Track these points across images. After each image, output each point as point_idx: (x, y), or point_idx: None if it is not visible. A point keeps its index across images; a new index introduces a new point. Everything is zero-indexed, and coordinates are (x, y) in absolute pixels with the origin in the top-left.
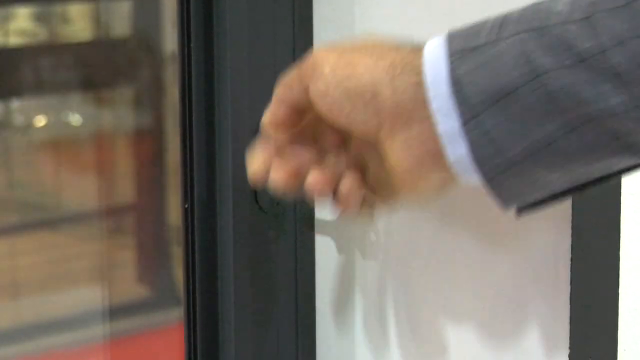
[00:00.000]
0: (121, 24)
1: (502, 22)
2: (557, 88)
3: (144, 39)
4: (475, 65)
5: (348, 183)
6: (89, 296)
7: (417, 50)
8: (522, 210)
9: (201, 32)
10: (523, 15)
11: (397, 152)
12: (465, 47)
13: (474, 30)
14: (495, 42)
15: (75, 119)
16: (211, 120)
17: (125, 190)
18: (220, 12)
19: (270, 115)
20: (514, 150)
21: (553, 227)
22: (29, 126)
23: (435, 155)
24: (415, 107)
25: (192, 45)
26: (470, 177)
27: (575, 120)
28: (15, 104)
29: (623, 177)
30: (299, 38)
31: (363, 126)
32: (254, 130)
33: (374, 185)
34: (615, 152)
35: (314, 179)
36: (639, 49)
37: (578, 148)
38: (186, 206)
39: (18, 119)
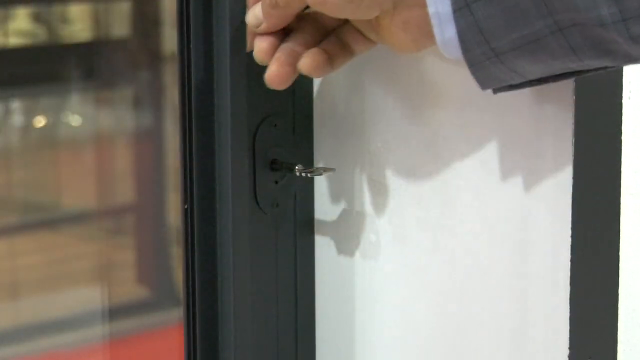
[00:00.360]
0: (121, 24)
1: None
2: None
3: (144, 39)
4: None
5: (311, 54)
6: (89, 296)
7: None
8: (497, 91)
9: (201, 32)
10: None
11: (395, 33)
12: None
13: None
14: None
15: (74, 119)
16: (211, 120)
17: (125, 190)
18: (219, 13)
19: (266, 27)
20: (500, 41)
21: (553, 226)
22: (28, 126)
23: (429, 37)
24: None
25: (191, 45)
26: (455, 57)
27: (563, 23)
28: (15, 104)
29: (598, 72)
30: None
31: (363, 18)
32: (254, 131)
33: (350, 38)
34: (595, 55)
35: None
36: None
37: (561, 47)
38: (186, 206)
39: (18, 119)
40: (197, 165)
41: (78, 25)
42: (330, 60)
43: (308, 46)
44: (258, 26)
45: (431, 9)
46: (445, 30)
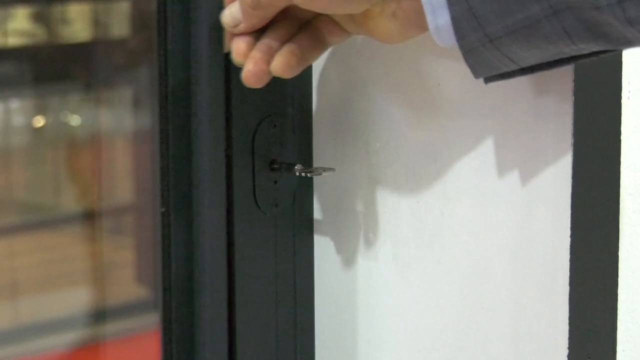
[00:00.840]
0: (121, 24)
1: None
2: None
3: (143, 39)
4: None
5: (283, 54)
6: (87, 296)
7: None
8: (489, 80)
9: (179, 33)
10: None
11: (382, 24)
12: None
13: None
14: None
15: (74, 119)
16: (188, 122)
17: (124, 190)
18: (197, 13)
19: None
20: (495, 27)
21: (552, 227)
22: (28, 126)
23: (418, 26)
24: None
25: (168, 47)
26: (448, 45)
27: (558, 6)
28: (15, 104)
29: (591, 58)
30: None
31: (353, 12)
32: (253, 131)
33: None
34: (590, 39)
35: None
36: None
37: (556, 31)
38: (163, 210)
39: (17, 119)
40: (173, 168)
41: (77, 25)
42: (304, 56)
43: (283, 41)
44: (235, 26)
45: None
46: (439, 17)
